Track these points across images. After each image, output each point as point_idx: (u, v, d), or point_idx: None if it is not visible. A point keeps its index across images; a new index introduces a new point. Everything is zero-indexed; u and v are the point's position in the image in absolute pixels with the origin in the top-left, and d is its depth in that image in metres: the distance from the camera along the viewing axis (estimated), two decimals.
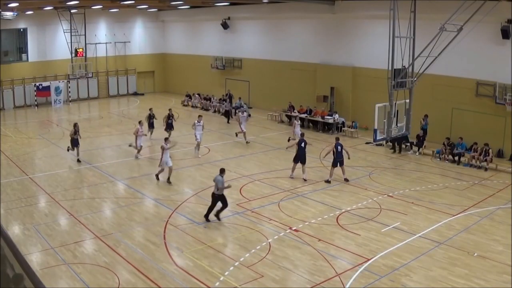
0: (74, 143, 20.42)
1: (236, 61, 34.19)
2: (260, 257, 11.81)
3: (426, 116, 22.14)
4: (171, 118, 24.05)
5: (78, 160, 20.35)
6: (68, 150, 20.76)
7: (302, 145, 17.90)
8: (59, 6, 30.30)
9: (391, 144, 22.48)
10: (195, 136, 21.60)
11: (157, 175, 17.84)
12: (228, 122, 29.39)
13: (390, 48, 14.64)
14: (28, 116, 31.86)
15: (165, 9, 37.77)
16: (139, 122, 21.57)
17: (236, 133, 24.55)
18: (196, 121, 21.86)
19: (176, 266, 11.38)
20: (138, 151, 21.13)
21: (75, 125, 20.66)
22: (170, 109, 24.96)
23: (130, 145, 21.48)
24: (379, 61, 18.88)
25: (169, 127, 23.98)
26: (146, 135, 22.26)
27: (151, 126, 24.08)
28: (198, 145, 21.59)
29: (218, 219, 13.99)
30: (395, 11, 14.39)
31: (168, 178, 17.44)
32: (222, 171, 13.98)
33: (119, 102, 37.72)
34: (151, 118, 24.12)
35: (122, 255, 11.86)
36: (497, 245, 12.51)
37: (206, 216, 14.02)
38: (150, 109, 24.80)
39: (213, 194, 13.91)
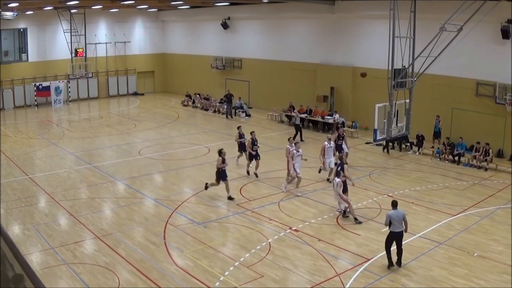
0: (222, 176, 15.64)
1: (236, 61, 34.18)
2: (260, 257, 11.81)
3: (438, 117, 22.06)
4: (255, 144, 18.43)
5: (230, 198, 15.69)
6: (206, 187, 16.00)
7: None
8: (59, 6, 30.29)
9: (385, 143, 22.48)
10: (294, 169, 16.27)
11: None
12: (301, 139, 23.78)
13: (390, 48, 14.63)
14: (28, 116, 31.87)
15: (165, 9, 37.77)
16: (290, 140, 17.18)
17: (320, 169, 18.04)
18: (292, 148, 16.54)
19: (176, 266, 11.38)
20: (292, 180, 16.48)
21: (221, 151, 15.72)
22: (252, 132, 18.74)
23: (284, 190, 16.52)
24: (379, 61, 18.85)
25: (253, 157, 18.34)
26: (306, 160, 17.16)
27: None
28: (299, 179, 16.47)
29: (399, 264, 11.27)
30: (395, 11, 14.37)
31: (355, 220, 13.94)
32: (396, 204, 11.23)
33: (119, 102, 37.73)
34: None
35: (122, 255, 11.86)
36: (497, 245, 12.50)
37: (399, 262, 11.28)
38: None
39: (396, 234, 11.04)
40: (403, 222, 11.09)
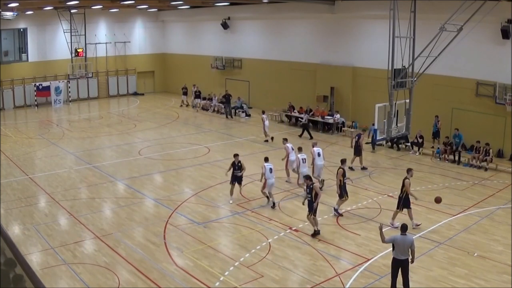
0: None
1: (236, 61, 34.17)
2: (260, 257, 11.81)
3: (437, 117, 22.06)
4: (237, 167, 15.72)
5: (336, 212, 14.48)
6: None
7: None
8: (59, 6, 30.28)
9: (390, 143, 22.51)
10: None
11: None
12: (311, 137, 23.90)
13: (390, 48, 14.64)
14: (28, 116, 31.85)
15: (165, 9, 37.76)
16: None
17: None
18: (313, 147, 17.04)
19: (176, 266, 11.39)
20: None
21: (344, 169, 14.49)
22: (236, 155, 16.00)
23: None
24: (379, 61, 18.88)
25: (235, 180, 15.78)
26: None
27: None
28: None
29: None
30: (395, 11, 14.40)
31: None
32: (405, 228, 9.90)
33: (119, 102, 37.73)
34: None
35: (122, 255, 11.86)
36: (497, 245, 12.50)
37: None
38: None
39: (399, 261, 9.82)
40: (409, 250, 9.79)
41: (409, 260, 9.87)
